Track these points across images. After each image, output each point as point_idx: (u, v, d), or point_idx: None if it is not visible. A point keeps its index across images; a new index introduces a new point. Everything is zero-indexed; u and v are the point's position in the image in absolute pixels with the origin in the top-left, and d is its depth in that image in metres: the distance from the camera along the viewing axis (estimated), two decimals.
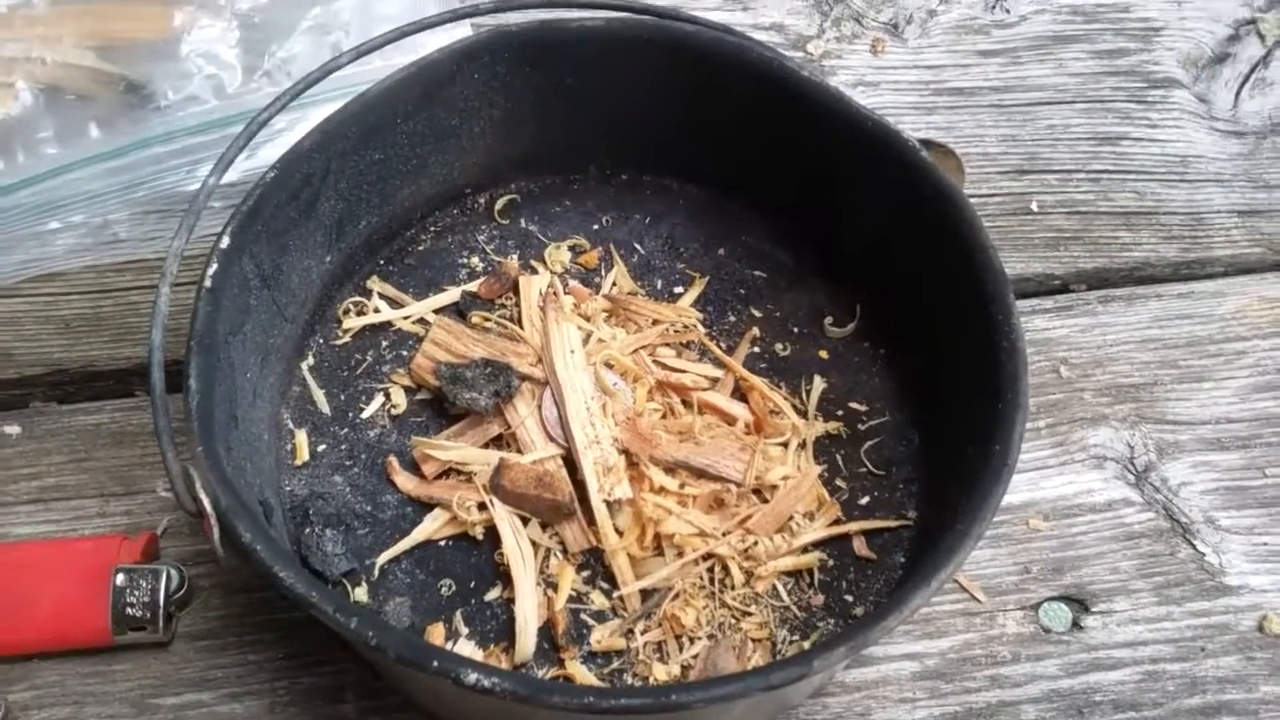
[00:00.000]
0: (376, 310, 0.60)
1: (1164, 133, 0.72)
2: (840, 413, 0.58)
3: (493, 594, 0.53)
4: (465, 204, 0.64)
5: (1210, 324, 0.65)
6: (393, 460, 0.56)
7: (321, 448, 0.56)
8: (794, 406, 0.58)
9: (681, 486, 0.54)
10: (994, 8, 0.76)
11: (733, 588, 0.53)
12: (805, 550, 0.54)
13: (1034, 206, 0.69)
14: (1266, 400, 0.62)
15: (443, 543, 0.54)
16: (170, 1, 0.65)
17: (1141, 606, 0.56)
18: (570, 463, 0.55)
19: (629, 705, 0.41)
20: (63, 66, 0.63)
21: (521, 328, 0.59)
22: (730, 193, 0.64)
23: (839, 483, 0.56)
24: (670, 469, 0.55)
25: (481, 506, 0.54)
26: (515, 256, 0.62)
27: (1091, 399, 0.62)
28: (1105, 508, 0.58)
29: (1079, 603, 0.56)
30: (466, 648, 0.51)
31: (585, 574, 0.53)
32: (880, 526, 0.55)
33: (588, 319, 0.60)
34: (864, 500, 0.56)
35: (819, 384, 0.59)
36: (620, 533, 0.53)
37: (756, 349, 0.60)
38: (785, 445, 0.57)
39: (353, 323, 0.59)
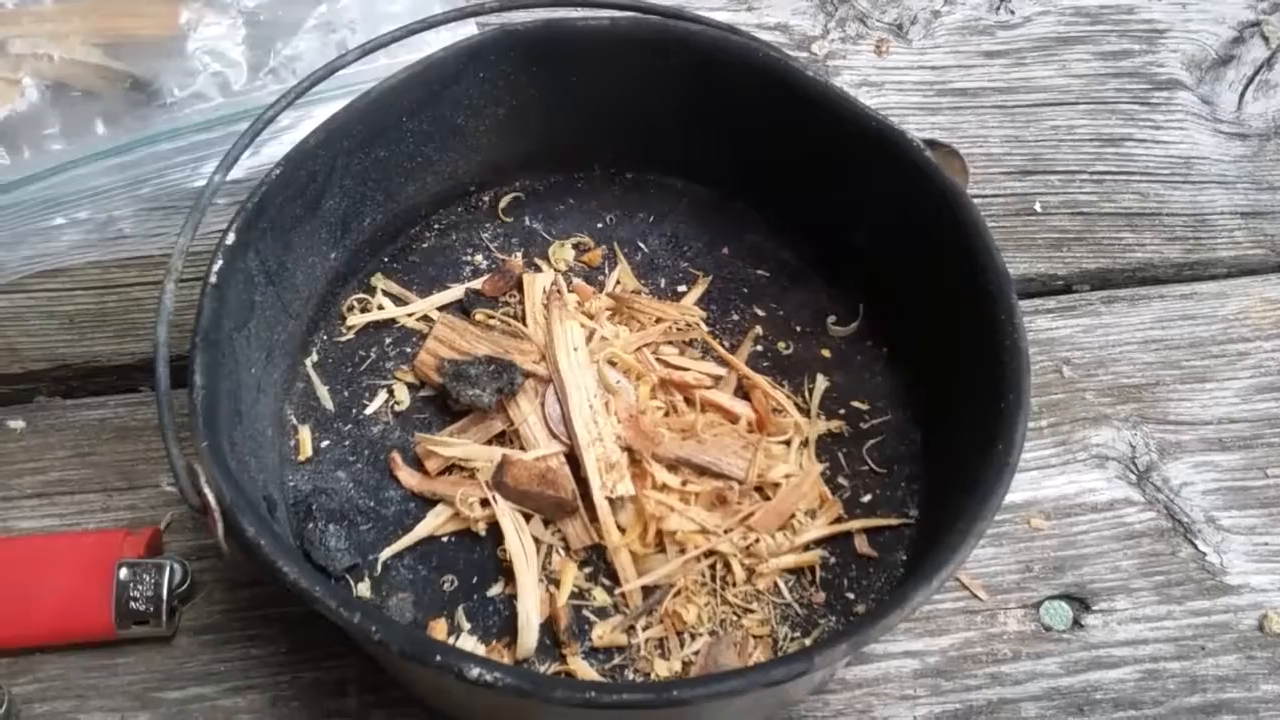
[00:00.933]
0: (381, 307, 0.60)
1: (1168, 134, 0.72)
2: (842, 411, 0.58)
3: (495, 590, 0.53)
4: (470, 202, 0.64)
5: (1213, 325, 0.65)
6: (396, 456, 0.56)
7: (325, 443, 0.56)
8: (796, 405, 0.58)
9: (684, 484, 0.54)
10: (998, 9, 0.77)
11: (734, 585, 0.53)
12: (807, 548, 0.54)
13: (1037, 207, 0.69)
14: (1268, 401, 0.62)
15: (445, 539, 0.54)
16: None
17: (1142, 605, 0.56)
18: (573, 460, 0.55)
19: (630, 700, 0.41)
20: (69, 63, 0.63)
21: (525, 325, 0.59)
22: (734, 192, 0.64)
23: (841, 481, 0.56)
24: (672, 466, 0.55)
25: (484, 503, 0.54)
26: (519, 254, 0.63)
27: (1094, 399, 0.62)
28: (1107, 507, 0.59)
29: (1080, 601, 0.56)
30: (468, 643, 0.51)
31: (587, 570, 0.53)
32: (882, 524, 0.55)
33: (591, 317, 0.60)
34: (866, 498, 0.56)
35: (821, 382, 0.59)
36: (622, 529, 0.53)
37: (759, 347, 0.60)
38: (787, 443, 0.57)
39: (357, 319, 0.60)
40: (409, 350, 0.59)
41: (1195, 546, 0.58)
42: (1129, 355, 0.64)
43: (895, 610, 0.43)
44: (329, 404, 0.57)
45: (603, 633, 0.52)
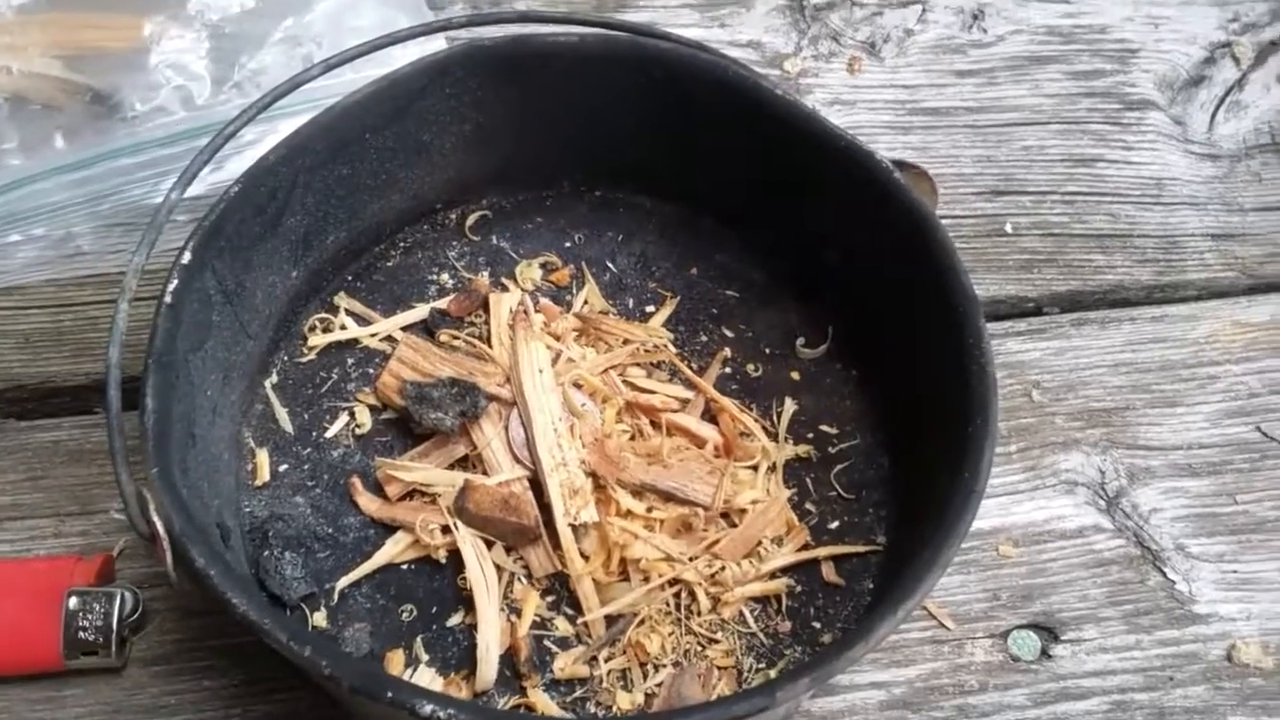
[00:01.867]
0: (343, 327, 0.59)
1: (1139, 155, 0.72)
2: (811, 435, 0.58)
3: (455, 619, 0.52)
4: (436, 220, 0.63)
5: (1183, 348, 0.65)
6: (356, 481, 0.55)
7: (283, 468, 0.55)
8: (764, 429, 0.57)
9: (649, 510, 0.53)
10: (971, 28, 0.76)
11: (699, 614, 0.52)
12: (773, 576, 0.53)
13: (1008, 228, 0.68)
14: (1238, 426, 0.62)
15: (405, 566, 0.53)
16: (140, 11, 0.64)
17: (1111, 635, 0.55)
18: (536, 485, 0.54)
19: None
20: (28, 76, 0.62)
21: (491, 346, 0.58)
22: (704, 211, 0.63)
23: (809, 506, 0.56)
24: (638, 492, 0.54)
25: (445, 529, 0.53)
26: (486, 273, 0.62)
27: (1063, 423, 0.61)
28: (1076, 534, 0.58)
29: (1048, 630, 0.55)
30: (426, 675, 0.50)
31: (550, 599, 0.53)
32: (849, 552, 0.54)
33: (558, 338, 0.59)
34: (834, 525, 0.55)
35: (790, 406, 0.58)
36: (586, 557, 0.53)
37: (728, 369, 0.59)
38: (755, 468, 0.56)
39: (318, 340, 0.59)
40: (372, 371, 0.58)
41: (1164, 575, 0.57)
42: (1099, 379, 0.63)
43: (860, 643, 0.42)
44: (288, 426, 0.56)
45: (564, 664, 0.51)
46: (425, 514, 0.53)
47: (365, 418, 0.57)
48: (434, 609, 0.52)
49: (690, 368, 0.59)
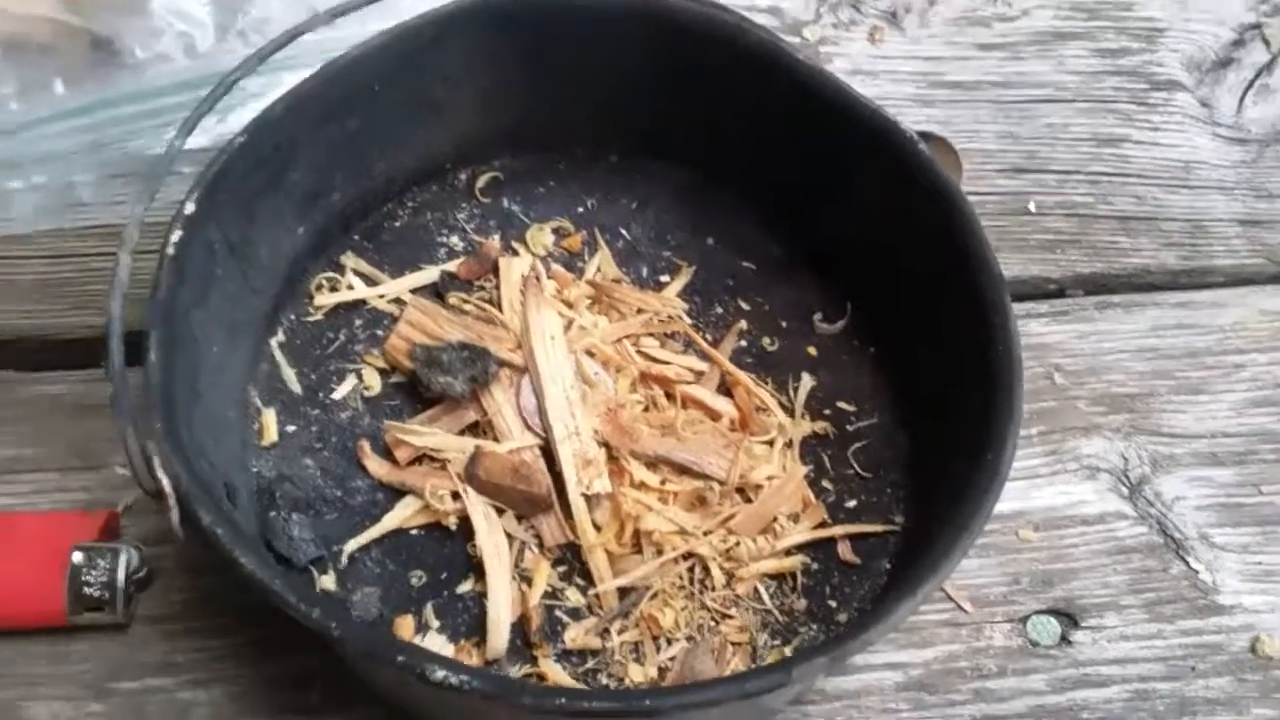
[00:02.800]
0: (350, 287, 0.58)
1: (1166, 136, 0.70)
2: (828, 412, 0.56)
3: (465, 587, 0.51)
4: (445, 180, 0.61)
5: (1209, 335, 0.63)
6: (364, 444, 0.53)
7: (291, 428, 0.54)
8: (780, 404, 0.56)
9: (663, 483, 0.52)
10: (995, 0, 0.74)
11: (713, 589, 0.51)
12: (789, 553, 0.52)
13: (1032, 207, 0.67)
14: (1263, 416, 0.61)
15: (414, 531, 0.52)
16: None
17: (1132, 623, 0.54)
18: (548, 453, 0.53)
19: (601, 709, 0.40)
20: (25, 18, 0.60)
21: (501, 311, 0.57)
22: (721, 179, 0.62)
23: (825, 484, 0.54)
24: (651, 464, 0.53)
25: (455, 495, 0.52)
26: (496, 237, 0.60)
27: (1085, 408, 0.60)
28: (1097, 520, 0.57)
29: (1068, 617, 0.54)
30: (436, 642, 0.49)
31: (561, 569, 0.51)
32: (866, 531, 0.53)
33: (570, 305, 0.57)
34: (850, 503, 0.54)
35: (807, 381, 0.57)
36: (598, 528, 0.51)
37: (743, 343, 0.58)
38: (770, 444, 0.55)
39: (325, 299, 0.57)
40: (380, 333, 0.57)
41: (1187, 564, 0.56)
42: (1122, 364, 0.62)
43: (877, 624, 0.41)
44: (295, 387, 0.55)
45: (576, 635, 0.50)
46: (435, 479, 0.52)
47: (374, 380, 0.55)
48: (444, 575, 0.51)
49: (705, 339, 0.58)
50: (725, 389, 0.56)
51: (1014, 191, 0.67)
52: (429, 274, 0.58)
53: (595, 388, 0.54)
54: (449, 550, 0.51)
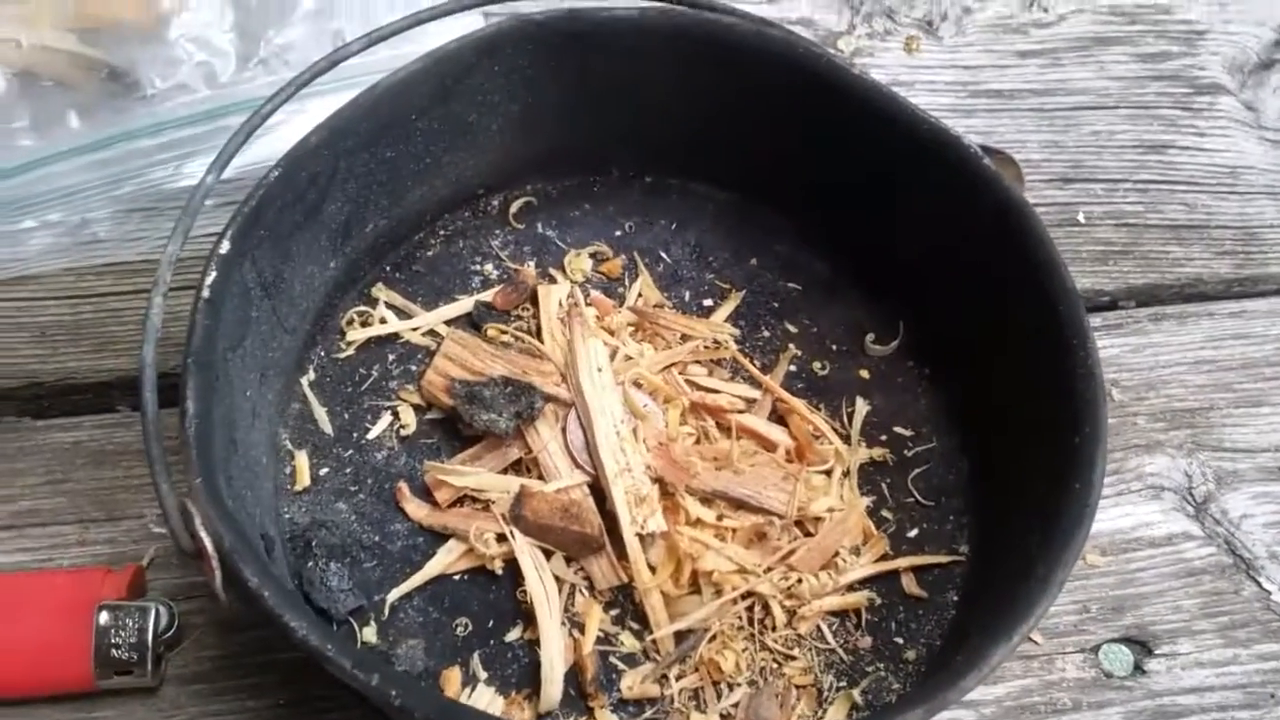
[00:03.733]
0: (383, 320, 0.55)
1: (1212, 141, 0.69)
2: (884, 437, 0.54)
3: (513, 634, 0.48)
4: (478, 206, 0.59)
5: (1265, 345, 0.61)
6: (403, 486, 0.51)
7: (324, 471, 0.51)
8: (835, 430, 0.54)
9: (719, 519, 0.50)
10: (1032, 6, 0.73)
11: (774, 629, 0.49)
12: (852, 588, 0.50)
13: (1081, 217, 0.65)
14: None
15: (458, 578, 0.50)
16: None
17: (1206, 649, 0.52)
18: (597, 491, 0.50)
19: None
20: (40, 50, 0.58)
21: (541, 341, 0.55)
22: (761, 198, 0.60)
23: (885, 514, 0.52)
24: (707, 500, 0.50)
25: (500, 538, 0.49)
26: (532, 264, 0.58)
27: (1145, 424, 0.58)
28: (1165, 541, 0.55)
29: (1141, 644, 0.52)
30: (485, 695, 0.47)
31: (613, 613, 0.49)
32: (931, 562, 0.51)
33: (612, 333, 0.55)
34: (913, 533, 0.52)
35: (862, 406, 0.55)
36: (653, 569, 0.49)
37: (792, 367, 0.56)
38: (828, 474, 0.52)
39: (357, 334, 0.55)
40: (414, 368, 0.54)
41: (1259, 584, 0.54)
42: (1180, 377, 0.60)
43: (973, 671, 0.39)
44: (328, 427, 0.53)
45: (632, 683, 0.47)
46: (479, 521, 0.50)
47: (409, 418, 0.53)
48: (490, 623, 0.49)
49: (754, 365, 0.55)
50: (778, 417, 0.54)
51: (1062, 202, 0.65)
52: (464, 304, 0.56)
53: (646, 420, 0.51)
54: (495, 596, 0.49)
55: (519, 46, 0.53)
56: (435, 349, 0.54)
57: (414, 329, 0.55)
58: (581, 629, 0.48)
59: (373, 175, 0.52)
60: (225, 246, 0.45)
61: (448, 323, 0.56)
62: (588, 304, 0.56)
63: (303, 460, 0.51)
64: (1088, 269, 0.63)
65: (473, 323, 0.56)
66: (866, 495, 0.52)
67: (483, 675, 0.47)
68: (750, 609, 0.49)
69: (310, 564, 0.48)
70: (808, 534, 0.51)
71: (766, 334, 0.57)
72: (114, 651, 0.46)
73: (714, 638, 0.48)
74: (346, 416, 0.53)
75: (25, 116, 0.56)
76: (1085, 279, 0.63)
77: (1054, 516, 0.43)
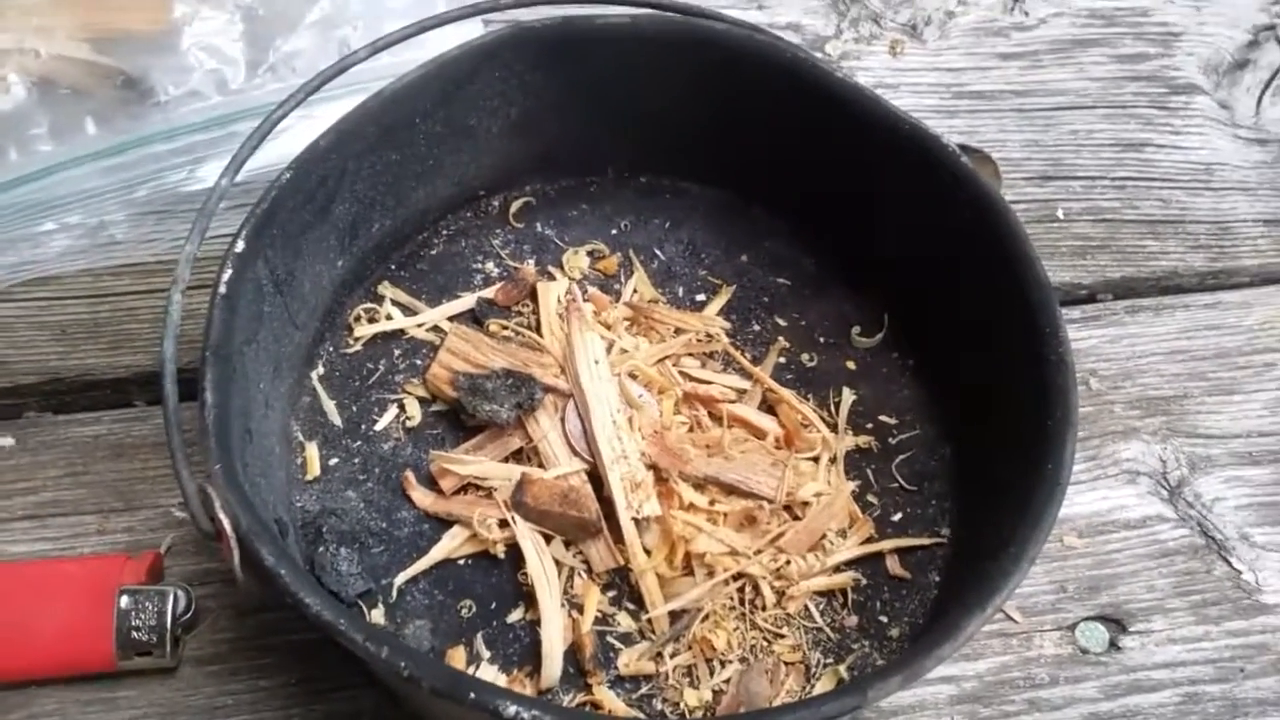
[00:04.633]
0: (389, 317, 0.58)
1: (1187, 139, 0.71)
2: (870, 425, 0.56)
3: (515, 615, 0.51)
4: (479, 206, 0.62)
5: (1238, 335, 0.64)
6: (409, 475, 0.53)
7: (333, 461, 0.54)
8: (823, 419, 0.56)
9: (711, 503, 0.52)
10: (1013, 10, 0.75)
11: (764, 609, 0.51)
12: (838, 569, 0.52)
13: (1060, 214, 0.67)
14: None
15: (462, 562, 0.52)
16: None
17: (1179, 626, 0.54)
18: (595, 478, 0.53)
19: None
20: (57, 59, 0.60)
21: (540, 336, 0.57)
22: (752, 197, 0.62)
23: (870, 498, 0.55)
24: (700, 485, 0.53)
25: (503, 524, 0.52)
26: (531, 262, 0.60)
27: (1122, 412, 0.60)
28: (1140, 524, 0.57)
29: (1116, 622, 0.54)
30: (489, 672, 0.49)
31: (611, 594, 0.51)
32: (915, 544, 0.53)
33: (609, 328, 0.57)
34: (896, 516, 0.54)
35: (848, 396, 0.57)
36: (648, 552, 0.51)
37: (782, 359, 0.58)
38: (816, 460, 0.55)
39: (364, 330, 0.57)
40: (419, 362, 0.57)
41: (1230, 564, 0.56)
42: (1155, 366, 0.62)
43: (949, 641, 0.41)
44: (336, 419, 0.55)
45: (629, 660, 0.50)
46: (481, 508, 0.52)
47: (415, 410, 0.55)
48: (493, 605, 0.51)
49: (745, 357, 0.58)
50: (767, 407, 0.56)
51: (1042, 199, 0.68)
52: (466, 301, 0.58)
53: (641, 410, 0.54)
54: (497, 579, 0.51)
55: (517, 53, 0.55)
56: (439, 344, 0.56)
57: (419, 325, 0.58)
58: (580, 610, 0.50)
59: (379, 177, 0.55)
60: (240, 245, 0.48)
61: (451, 319, 0.58)
62: (585, 300, 0.58)
63: (313, 451, 0.54)
64: (1067, 263, 0.65)
65: (475, 318, 0.58)
66: (852, 480, 0.55)
67: (486, 654, 0.50)
68: (741, 589, 0.51)
69: (321, 549, 0.50)
70: (796, 518, 0.53)
71: (757, 327, 0.59)
72: (134, 634, 0.48)
73: (706, 617, 0.50)
74: (355, 409, 0.55)
75: (44, 123, 0.59)
76: (1064, 273, 0.65)
77: (1028, 495, 0.45)
